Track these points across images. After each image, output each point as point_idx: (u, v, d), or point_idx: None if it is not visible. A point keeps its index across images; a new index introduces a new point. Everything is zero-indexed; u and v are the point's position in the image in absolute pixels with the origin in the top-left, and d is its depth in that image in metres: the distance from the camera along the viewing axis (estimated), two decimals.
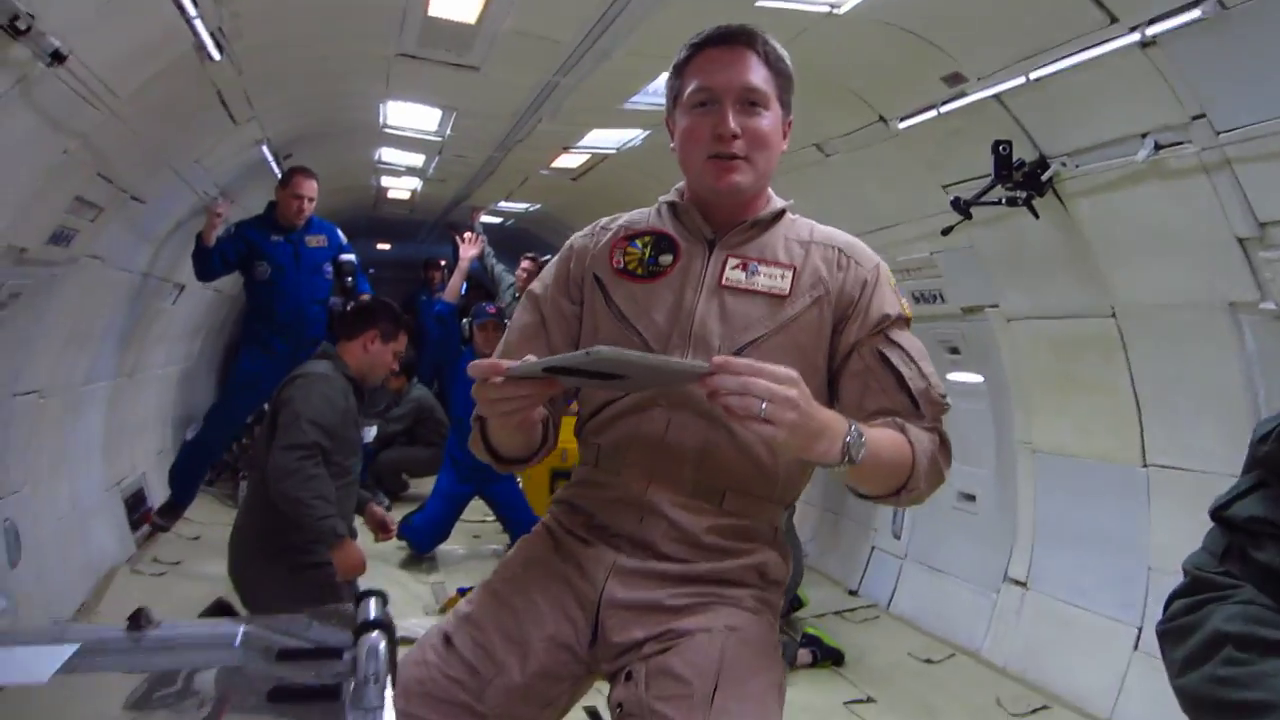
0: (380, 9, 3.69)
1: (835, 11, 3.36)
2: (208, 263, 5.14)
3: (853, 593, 5.45)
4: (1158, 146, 3.12)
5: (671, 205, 1.69)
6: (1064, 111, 3.41)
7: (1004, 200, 3.62)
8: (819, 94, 4.19)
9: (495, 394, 1.32)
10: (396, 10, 3.68)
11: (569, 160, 6.42)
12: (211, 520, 6.30)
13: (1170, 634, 1.52)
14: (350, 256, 5.76)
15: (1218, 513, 1.54)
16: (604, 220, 1.75)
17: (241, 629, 1.29)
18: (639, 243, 1.65)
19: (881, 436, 1.43)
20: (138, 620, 1.25)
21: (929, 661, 4.43)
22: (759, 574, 1.60)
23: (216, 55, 3.48)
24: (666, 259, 1.62)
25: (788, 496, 1.66)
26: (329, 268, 5.66)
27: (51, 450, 4.44)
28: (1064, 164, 3.51)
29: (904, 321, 1.60)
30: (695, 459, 1.55)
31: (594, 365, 1.21)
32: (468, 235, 6.15)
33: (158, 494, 6.17)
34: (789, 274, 1.58)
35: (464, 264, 6.12)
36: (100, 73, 3.04)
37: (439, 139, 6.06)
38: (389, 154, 6.85)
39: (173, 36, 3.25)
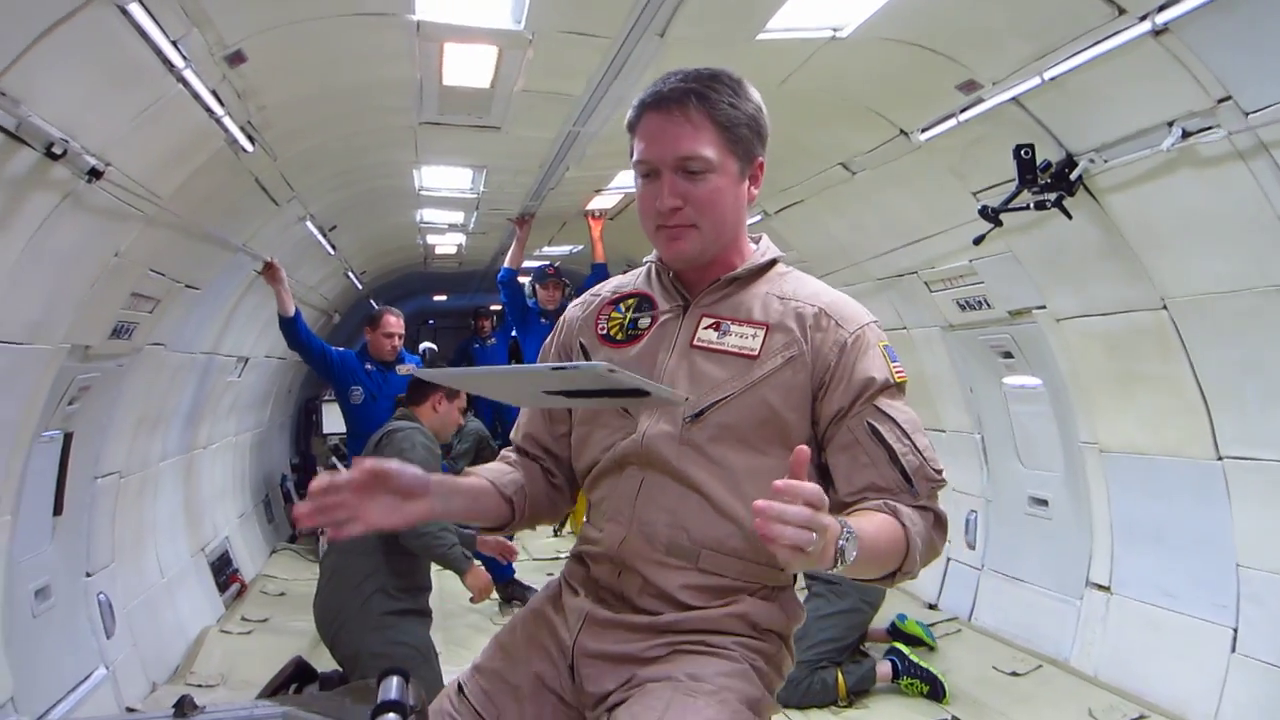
0: (398, 84, 3.83)
1: (838, 35, 3.36)
2: (294, 329, 5.37)
3: (932, 606, 5.37)
4: (1185, 134, 3.05)
5: (654, 267, 1.69)
6: (1085, 108, 3.35)
7: (1031, 205, 3.55)
8: (837, 114, 4.19)
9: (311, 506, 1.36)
10: (414, 84, 3.81)
11: (603, 201, 6.51)
12: (295, 576, 6.66)
13: None
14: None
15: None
16: (601, 287, 1.78)
17: (280, 710, 1.38)
18: (623, 306, 1.67)
19: (874, 530, 1.35)
20: (182, 707, 1.34)
21: (1015, 674, 4.32)
22: (746, 623, 1.53)
23: (249, 147, 3.67)
24: (645, 322, 1.61)
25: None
26: None
27: (135, 525, 4.71)
28: (1092, 160, 3.44)
29: (895, 389, 1.52)
30: (668, 519, 1.51)
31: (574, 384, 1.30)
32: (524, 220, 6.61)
33: (243, 556, 6.47)
34: (760, 333, 1.52)
35: (523, 234, 6.61)
36: (141, 179, 3.22)
37: (474, 195, 6.22)
38: (430, 214, 7.06)
39: (206, 136, 3.43)
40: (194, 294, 4.65)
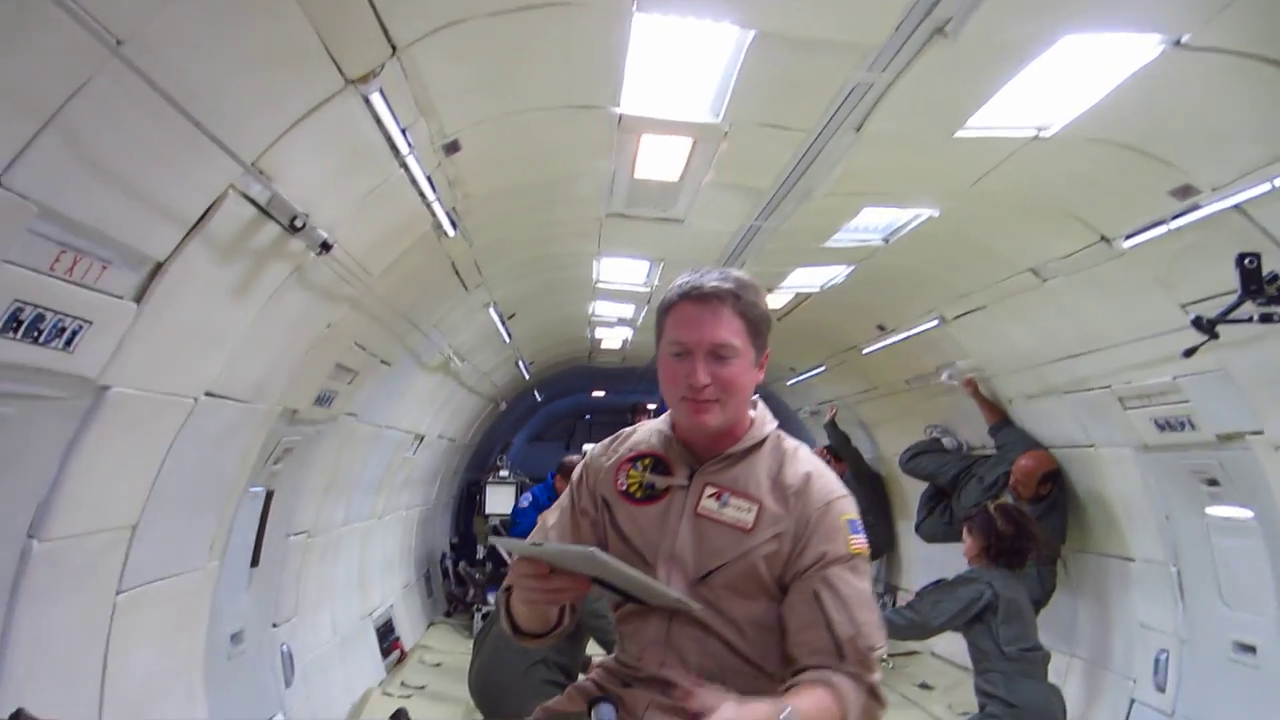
0: (592, 176, 4.02)
1: (1042, 135, 3.28)
2: None
3: None
4: None
5: (664, 434, 1.93)
6: None
7: (1256, 317, 3.28)
8: (1031, 217, 4.07)
9: (538, 585, 1.62)
10: (606, 176, 3.99)
11: (773, 300, 6.50)
12: (450, 649, 6.91)
13: None
14: None
15: None
16: (621, 435, 2.02)
17: None
18: (640, 465, 1.91)
19: (810, 706, 1.57)
20: (399, 717, 1.41)
21: None
22: None
23: (451, 232, 3.92)
24: (662, 483, 1.86)
25: (782, 675, 1.78)
26: None
27: (317, 583, 4.98)
28: None
29: (851, 560, 1.74)
30: (698, 649, 1.78)
31: (589, 566, 1.52)
32: None
33: (404, 625, 6.70)
34: (754, 509, 1.78)
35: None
36: (358, 256, 3.51)
37: (647, 289, 6.37)
38: (602, 307, 7.28)
39: (416, 219, 3.70)
40: (386, 370, 4.96)
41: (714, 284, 1.76)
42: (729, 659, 1.78)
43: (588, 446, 7.31)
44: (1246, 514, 4.18)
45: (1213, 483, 4.32)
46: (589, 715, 1.31)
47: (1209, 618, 4.48)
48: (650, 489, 1.87)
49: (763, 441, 1.86)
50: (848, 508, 1.80)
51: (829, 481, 1.83)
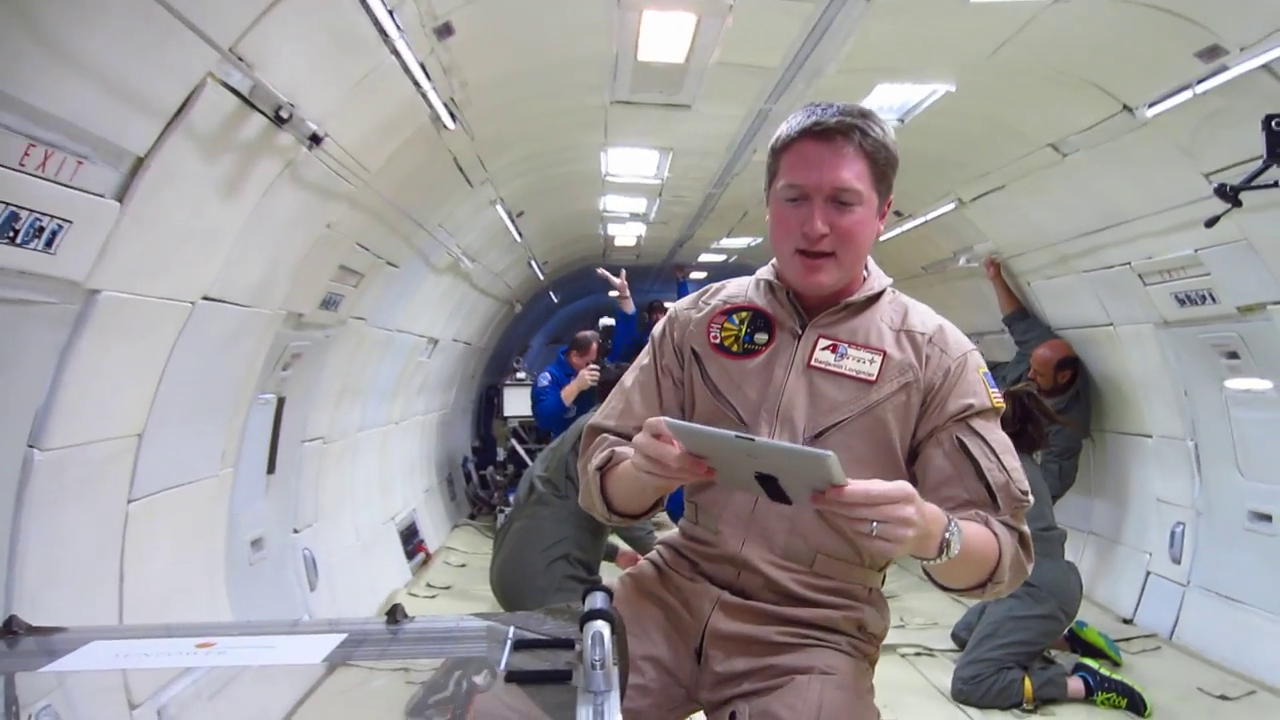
0: (594, 61, 3.85)
1: None
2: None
3: (1127, 621, 4.99)
4: None
5: (769, 283, 1.75)
6: None
7: None
8: (1052, 88, 3.88)
9: (681, 466, 1.38)
10: (609, 60, 3.82)
11: None
12: (474, 550, 7.00)
13: None
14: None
15: None
16: (711, 288, 1.85)
17: (484, 624, 1.44)
18: (736, 318, 1.74)
19: (973, 532, 1.48)
20: (394, 615, 1.43)
21: (1224, 698, 3.95)
22: (857, 625, 1.69)
23: (450, 124, 3.78)
24: (762, 337, 1.70)
25: (879, 563, 1.71)
26: None
27: (336, 489, 5.01)
28: None
29: (991, 413, 1.63)
30: (786, 527, 1.64)
31: (780, 465, 1.30)
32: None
33: (428, 528, 6.80)
34: (878, 359, 1.62)
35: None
36: (352, 150, 3.38)
37: (658, 181, 6.21)
38: (613, 201, 7.11)
39: (412, 110, 3.56)
40: (393, 272, 4.87)
41: (837, 118, 1.56)
42: (823, 539, 1.64)
43: (604, 320, 7.45)
44: (1266, 384, 4.16)
45: (1232, 355, 4.29)
46: (582, 602, 1.25)
47: (1226, 489, 4.51)
48: (749, 342, 1.70)
49: (881, 293, 1.71)
50: (981, 360, 1.68)
51: (960, 333, 1.70)
